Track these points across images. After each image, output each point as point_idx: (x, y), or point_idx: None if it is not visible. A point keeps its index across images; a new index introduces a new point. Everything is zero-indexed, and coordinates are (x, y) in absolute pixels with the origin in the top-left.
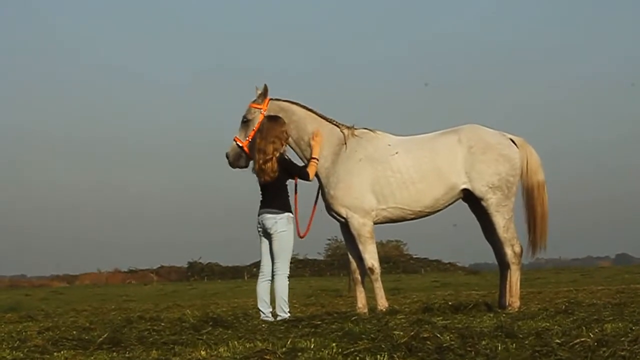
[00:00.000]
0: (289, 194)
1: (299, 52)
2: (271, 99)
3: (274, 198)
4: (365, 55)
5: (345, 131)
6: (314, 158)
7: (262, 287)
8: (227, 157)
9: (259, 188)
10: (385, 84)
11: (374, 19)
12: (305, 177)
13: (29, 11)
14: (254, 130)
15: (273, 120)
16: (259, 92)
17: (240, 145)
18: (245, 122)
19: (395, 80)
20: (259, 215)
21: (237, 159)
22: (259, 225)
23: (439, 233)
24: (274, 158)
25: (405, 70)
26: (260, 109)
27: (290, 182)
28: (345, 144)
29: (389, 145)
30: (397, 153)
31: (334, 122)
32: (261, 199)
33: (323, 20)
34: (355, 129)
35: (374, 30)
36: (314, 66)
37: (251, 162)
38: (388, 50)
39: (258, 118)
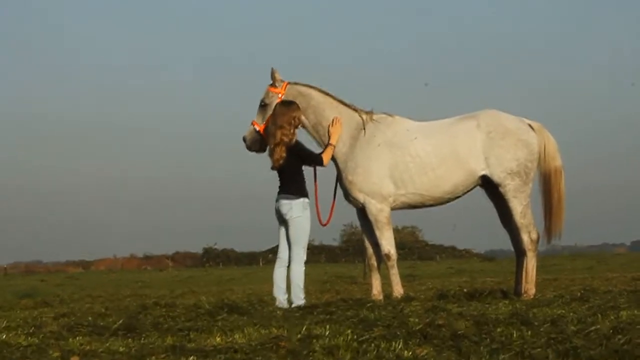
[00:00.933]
0: (306, 180)
1: (299, 50)
2: (289, 83)
3: (290, 183)
4: (365, 55)
5: (364, 116)
6: (331, 144)
7: (279, 274)
8: (244, 140)
9: (277, 174)
10: (385, 83)
11: (374, 19)
12: (319, 162)
13: (29, 10)
14: (270, 114)
15: (285, 105)
16: (277, 75)
17: (257, 129)
18: (263, 106)
19: (395, 80)
20: (276, 201)
21: (254, 143)
22: (276, 211)
23: (454, 219)
24: (281, 144)
25: (405, 70)
26: (278, 93)
27: (309, 170)
28: (364, 129)
29: (408, 130)
30: (416, 138)
31: (353, 107)
32: (279, 184)
33: (323, 19)
34: (374, 114)
35: (374, 29)
36: (313, 65)
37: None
38: (388, 50)
39: (275, 102)
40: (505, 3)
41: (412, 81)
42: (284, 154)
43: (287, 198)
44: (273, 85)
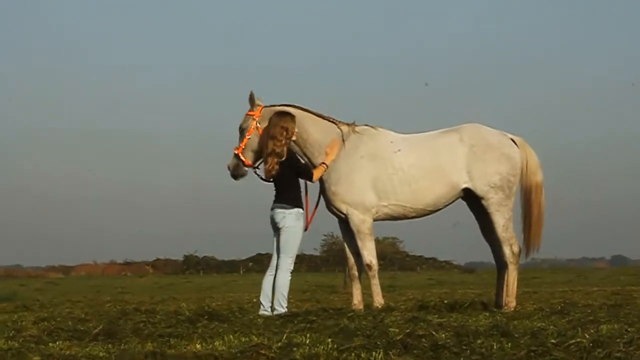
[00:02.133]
0: (302, 191)
1: (299, 49)
2: (265, 106)
3: (285, 194)
4: (365, 54)
5: (345, 128)
6: (325, 163)
7: (268, 281)
8: (228, 168)
9: (273, 183)
10: (384, 83)
11: (374, 18)
12: (309, 177)
13: (30, 10)
14: (246, 137)
15: (279, 116)
16: (257, 100)
17: (237, 152)
18: (242, 131)
19: (395, 79)
20: (271, 210)
21: (237, 168)
22: (271, 220)
23: (435, 230)
24: (273, 154)
25: (405, 70)
26: (253, 115)
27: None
28: (344, 140)
29: (391, 142)
30: (399, 150)
31: (332, 120)
32: (274, 194)
33: (324, 19)
34: (356, 125)
35: (373, 29)
36: (313, 64)
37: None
38: (388, 50)
39: (251, 125)
40: (506, 3)
41: (412, 81)
42: (276, 165)
43: (282, 207)
44: (250, 109)
